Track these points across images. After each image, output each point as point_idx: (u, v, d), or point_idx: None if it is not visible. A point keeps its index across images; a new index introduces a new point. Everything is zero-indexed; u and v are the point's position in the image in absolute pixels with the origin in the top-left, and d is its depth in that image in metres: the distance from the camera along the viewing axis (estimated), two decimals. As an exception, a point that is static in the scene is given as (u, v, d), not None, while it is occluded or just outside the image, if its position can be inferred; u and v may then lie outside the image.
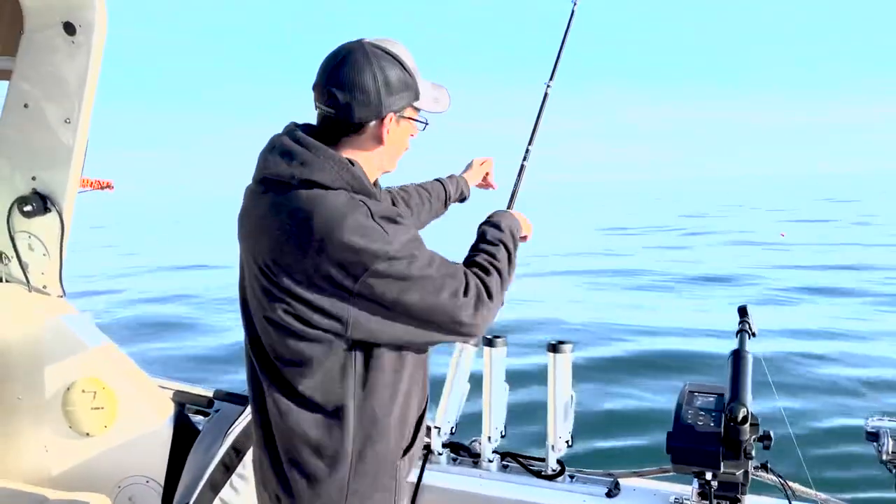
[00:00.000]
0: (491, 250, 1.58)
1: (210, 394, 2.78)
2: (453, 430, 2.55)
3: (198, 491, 2.26)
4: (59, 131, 2.43)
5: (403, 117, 1.50)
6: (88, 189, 3.09)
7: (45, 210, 2.55)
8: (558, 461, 2.42)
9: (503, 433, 2.52)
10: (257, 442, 1.57)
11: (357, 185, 1.43)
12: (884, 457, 1.98)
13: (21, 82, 2.42)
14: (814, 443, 5.25)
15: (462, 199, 2.25)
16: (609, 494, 2.27)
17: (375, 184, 1.60)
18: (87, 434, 2.62)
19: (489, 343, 2.47)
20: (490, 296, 1.47)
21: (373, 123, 1.46)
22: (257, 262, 1.43)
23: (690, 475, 2.04)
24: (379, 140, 1.48)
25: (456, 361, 2.51)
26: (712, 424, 1.97)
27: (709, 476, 1.95)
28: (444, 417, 2.51)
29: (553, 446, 2.40)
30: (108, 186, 3.26)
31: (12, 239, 2.60)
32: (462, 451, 2.58)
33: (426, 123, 1.57)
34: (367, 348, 1.42)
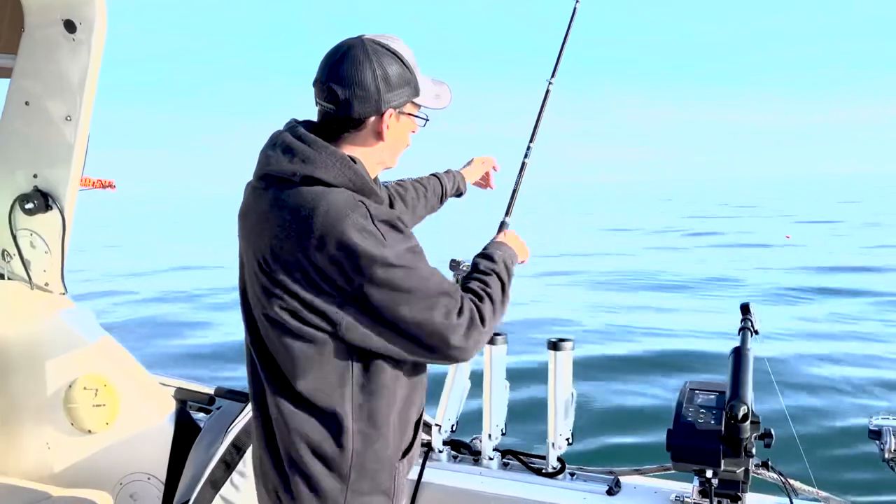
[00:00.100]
0: (485, 279, 1.56)
1: (211, 391, 2.79)
2: (454, 428, 2.54)
3: (198, 488, 2.26)
4: (60, 129, 2.44)
5: (403, 113, 1.50)
6: (90, 188, 3.10)
7: (47, 208, 2.56)
8: (559, 459, 2.42)
9: (504, 431, 2.52)
10: (258, 440, 1.56)
11: (359, 183, 1.43)
12: (886, 455, 1.98)
13: (22, 80, 2.43)
14: (816, 441, 5.24)
15: (458, 195, 2.24)
16: (610, 492, 2.27)
17: (375, 180, 1.60)
18: (89, 431, 2.62)
19: (489, 341, 2.46)
20: (483, 321, 1.45)
21: (372, 119, 1.46)
22: (257, 258, 1.43)
23: (691, 473, 2.04)
24: (379, 136, 1.48)
25: (457, 359, 2.50)
26: (713, 422, 1.97)
27: (709, 474, 1.95)
28: (444, 415, 2.51)
29: (553, 444, 2.40)
30: (110, 185, 3.27)
31: (14, 236, 2.61)
32: (463, 448, 2.57)
33: (427, 119, 1.57)
34: (366, 350, 1.42)
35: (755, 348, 2.14)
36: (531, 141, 2.63)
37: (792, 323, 9.90)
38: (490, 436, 2.49)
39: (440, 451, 2.52)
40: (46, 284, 2.68)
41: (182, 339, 10.48)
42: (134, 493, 2.62)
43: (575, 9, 2.58)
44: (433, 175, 2.16)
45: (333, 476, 1.45)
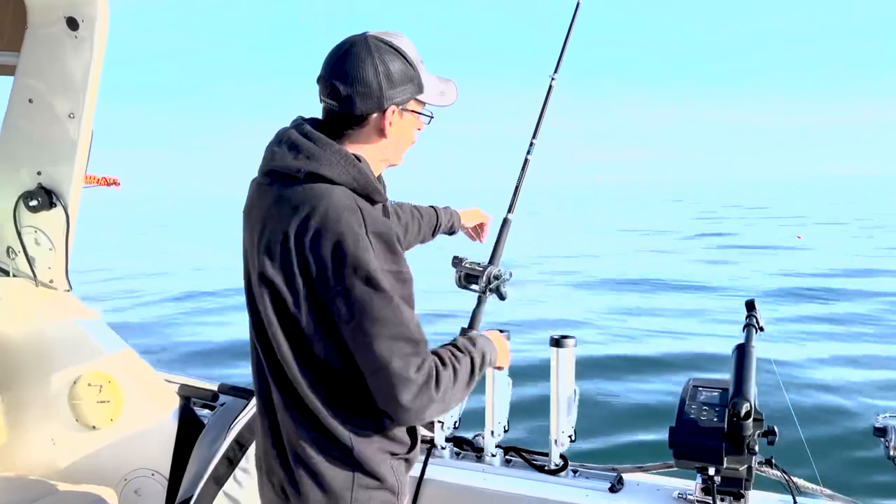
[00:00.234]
0: (458, 354, 1.50)
1: (215, 388, 2.80)
2: (457, 425, 2.54)
3: (201, 484, 2.27)
4: (63, 126, 2.45)
5: (406, 110, 1.50)
6: (94, 185, 3.11)
7: (51, 205, 2.57)
8: (561, 456, 2.41)
9: (506, 428, 2.52)
10: (263, 435, 1.57)
11: (362, 181, 1.43)
12: (891, 452, 1.96)
13: (25, 77, 2.44)
14: (823, 441, 5.20)
15: (451, 233, 2.27)
16: (612, 489, 2.26)
17: (379, 178, 1.59)
18: (94, 427, 2.64)
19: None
20: (438, 386, 1.39)
21: (375, 116, 1.46)
22: (261, 253, 1.43)
23: (694, 470, 2.03)
24: (381, 133, 1.48)
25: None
26: (715, 419, 1.96)
27: (712, 471, 1.93)
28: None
29: (556, 441, 2.39)
30: (115, 183, 3.28)
31: (19, 234, 2.63)
32: (465, 445, 2.57)
33: (431, 116, 1.57)
34: None
35: (762, 347, 2.13)
36: (534, 137, 2.62)
37: (801, 324, 9.84)
38: (493, 433, 2.48)
39: (443, 448, 2.52)
40: (51, 281, 2.69)
41: (191, 336, 10.53)
42: (138, 488, 2.63)
43: (578, 3, 2.57)
44: (432, 207, 2.19)
45: (338, 471, 1.46)
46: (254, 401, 2.16)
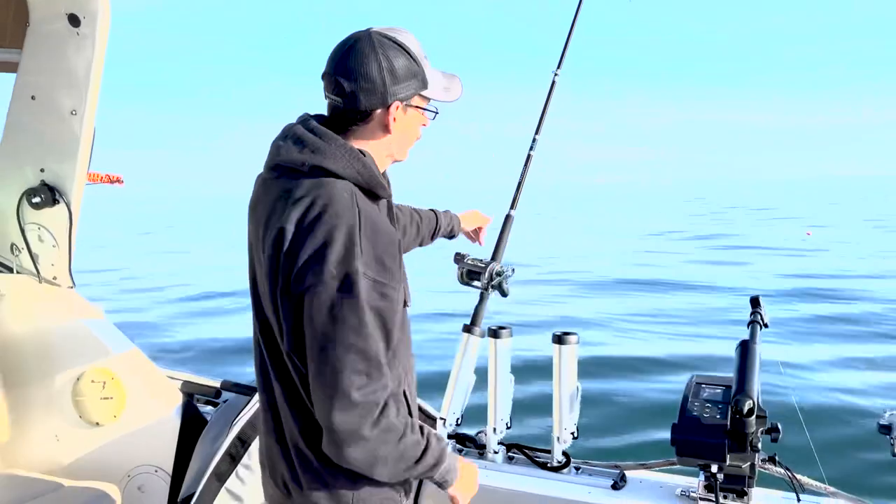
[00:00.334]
0: (420, 437, 1.38)
1: (218, 384, 2.80)
2: (459, 422, 2.53)
3: (204, 481, 2.27)
4: (66, 123, 2.45)
5: (411, 106, 1.49)
6: (98, 183, 3.11)
7: (54, 202, 2.57)
8: (564, 453, 2.40)
9: (509, 424, 2.51)
10: (266, 430, 1.57)
11: (367, 175, 1.43)
12: (896, 449, 1.95)
13: (28, 74, 2.44)
14: (829, 441, 5.16)
15: (451, 237, 2.26)
16: (615, 486, 2.25)
17: (384, 175, 1.59)
18: (97, 424, 2.64)
19: (494, 334, 2.45)
20: (377, 425, 1.30)
21: (379, 112, 1.45)
22: (265, 247, 1.43)
23: (696, 468, 2.02)
24: (386, 128, 1.48)
25: (461, 352, 2.50)
26: (718, 416, 1.95)
27: (714, 469, 1.93)
28: (449, 409, 2.50)
29: (558, 438, 2.39)
30: (118, 181, 3.29)
31: (22, 231, 2.63)
32: (468, 442, 2.57)
33: (436, 112, 1.56)
34: None
35: (769, 348, 2.12)
36: (536, 133, 2.62)
37: (809, 323, 9.80)
38: (495, 429, 2.48)
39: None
40: (55, 278, 2.69)
41: (190, 332, 10.57)
42: (141, 485, 2.63)
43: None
44: (431, 210, 2.17)
45: (340, 468, 1.45)
46: (256, 397, 2.17)
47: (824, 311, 10.84)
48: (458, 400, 2.51)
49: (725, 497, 1.99)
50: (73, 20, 2.29)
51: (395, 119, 1.47)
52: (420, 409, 2.54)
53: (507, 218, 2.57)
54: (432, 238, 2.15)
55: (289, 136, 1.45)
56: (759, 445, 1.89)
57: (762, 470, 2.06)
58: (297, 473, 1.46)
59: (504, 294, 2.44)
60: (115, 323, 2.84)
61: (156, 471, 2.63)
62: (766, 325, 2.28)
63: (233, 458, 2.27)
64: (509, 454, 2.51)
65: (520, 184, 2.61)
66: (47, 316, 2.67)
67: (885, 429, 2.05)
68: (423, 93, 1.50)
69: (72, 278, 2.71)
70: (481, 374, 2.53)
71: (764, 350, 2.12)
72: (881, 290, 12.76)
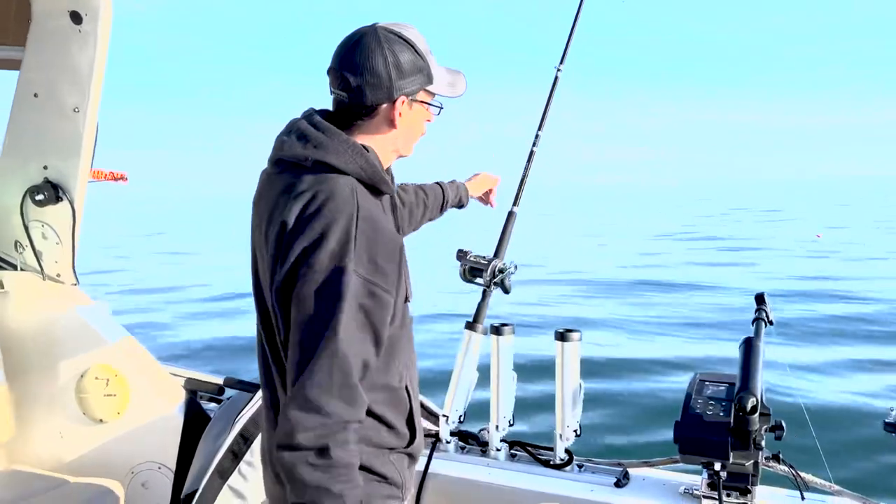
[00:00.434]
0: (343, 477, 1.29)
1: (220, 381, 2.80)
2: (461, 419, 2.52)
3: (206, 478, 2.27)
4: (69, 120, 2.46)
5: (416, 101, 1.49)
6: (102, 181, 3.11)
7: (57, 199, 2.58)
8: (566, 450, 2.39)
9: (511, 422, 2.50)
10: (268, 426, 1.57)
11: (370, 171, 1.43)
12: (902, 447, 1.93)
13: (30, 72, 2.45)
14: (834, 439, 5.13)
15: (460, 206, 2.24)
16: (618, 484, 2.24)
17: (388, 172, 1.59)
18: (101, 420, 2.65)
19: (496, 331, 2.44)
20: (318, 450, 1.25)
21: (384, 106, 1.45)
22: (268, 240, 1.43)
23: (699, 465, 2.01)
24: (391, 123, 1.48)
25: (464, 350, 2.49)
26: (721, 414, 1.93)
27: (718, 466, 1.91)
28: (452, 406, 2.49)
29: (561, 435, 2.38)
30: (122, 178, 3.28)
31: (26, 228, 2.64)
32: (470, 439, 2.56)
33: (441, 107, 1.56)
34: None
35: (778, 350, 2.10)
36: (539, 129, 2.61)
37: (818, 324, 9.74)
38: (497, 427, 2.47)
39: (447, 442, 2.51)
40: (58, 275, 2.70)
41: (194, 329, 10.58)
42: (145, 481, 2.64)
43: None
44: (437, 183, 2.15)
45: None
46: (259, 394, 2.17)
47: (834, 311, 10.79)
48: (460, 397, 2.50)
49: (729, 495, 1.97)
50: (75, 17, 2.30)
51: (400, 114, 1.47)
52: (423, 406, 2.54)
53: (510, 214, 2.55)
54: (441, 211, 2.13)
55: (292, 131, 1.45)
56: (763, 443, 1.87)
57: (766, 468, 2.04)
58: None
59: (506, 291, 2.43)
60: (130, 324, 2.84)
61: (159, 468, 2.63)
62: (770, 323, 2.26)
63: (235, 455, 2.27)
64: (512, 452, 2.50)
65: (522, 180, 2.59)
66: (51, 313, 2.68)
67: (892, 427, 2.03)
68: (429, 88, 1.50)
69: (75, 275, 2.71)
70: (484, 372, 2.52)
71: (772, 351, 2.11)
72: (892, 290, 12.67)
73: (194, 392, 2.77)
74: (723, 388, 2.07)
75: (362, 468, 1.47)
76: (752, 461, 1.91)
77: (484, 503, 2.30)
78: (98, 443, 2.65)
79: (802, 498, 2.04)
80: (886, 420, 2.18)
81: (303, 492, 1.26)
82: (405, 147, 1.55)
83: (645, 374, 7.35)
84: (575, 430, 2.39)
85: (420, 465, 2.35)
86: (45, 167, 2.56)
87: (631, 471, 2.31)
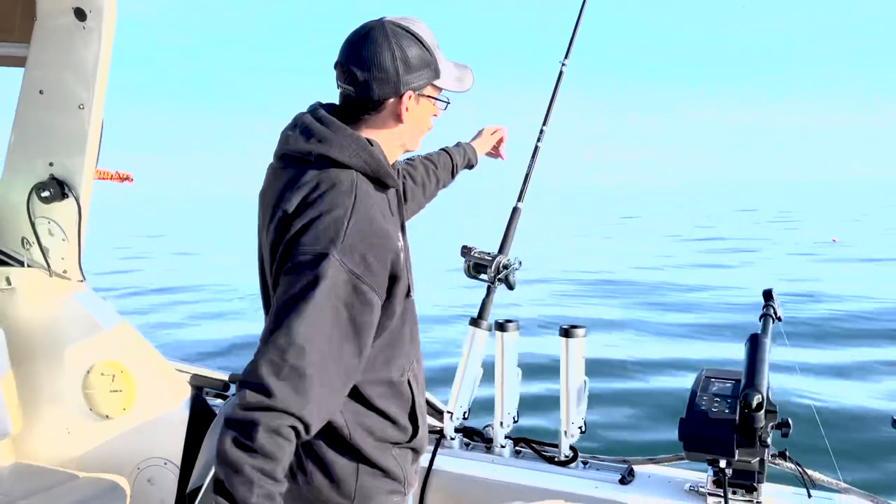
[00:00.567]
0: (264, 478, 1.21)
1: (226, 377, 2.80)
2: (466, 416, 2.52)
3: (212, 474, 2.27)
4: (74, 117, 2.46)
5: (423, 95, 1.48)
6: (108, 181, 3.12)
7: (63, 196, 2.59)
8: (571, 447, 2.38)
9: (516, 418, 2.50)
10: None
11: (373, 165, 1.42)
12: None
13: (35, 69, 2.46)
14: (844, 440, 5.08)
15: (470, 167, 2.20)
16: (622, 481, 2.23)
17: (393, 166, 1.58)
18: (107, 416, 2.66)
19: (501, 328, 2.44)
20: (263, 432, 1.19)
21: (391, 101, 1.45)
22: (269, 234, 1.43)
23: (704, 462, 2.00)
24: (398, 118, 1.47)
25: (468, 346, 2.48)
26: (727, 411, 1.92)
27: (723, 464, 1.90)
28: (456, 402, 2.49)
29: (566, 432, 2.37)
30: (128, 179, 3.29)
31: (33, 225, 2.65)
32: (475, 436, 2.56)
33: (448, 102, 1.55)
34: None
35: (787, 352, 2.08)
36: (544, 124, 2.59)
37: (828, 326, 9.67)
38: (502, 423, 2.47)
39: (452, 439, 2.50)
40: (65, 272, 2.71)
41: (198, 328, 10.61)
42: (151, 477, 2.65)
43: None
44: (443, 150, 2.13)
45: (342, 458, 1.47)
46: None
47: (845, 313, 10.71)
48: (465, 394, 2.50)
49: (734, 492, 1.96)
50: (80, 14, 2.30)
51: (407, 108, 1.46)
52: (427, 402, 2.53)
53: (514, 210, 2.54)
54: (453, 177, 2.11)
55: (297, 125, 1.46)
56: (769, 441, 1.85)
57: (772, 465, 2.03)
58: (302, 462, 1.47)
59: (511, 287, 2.42)
60: (136, 322, 2.85)
61: (165, 463, 2.64)
62: (779, 319, 2.24)
63: (240, 450, 2.27)
64: (516, 448, 2.50)
65: (527, 176, 2.58)
66: (57, 309, 2.69)
67: (901, 423, 2.02)
68: (436, 83, 1.50)
69: (81, 272, 2.72)
70: (489, 368, 2.52)
71: (783, 353, 2.09)
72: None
73: (200, 388, 2.77)
74: (729, 384, 2.06)
75: (365, 461, 1.47)
76: (757, 458, 1.89)
77: (488, 500, 2.30)
78: (104, 439, 2.66)
79: (809, 496, 2.02)
80: (894, 417, 2.16)
81: (219, 467, 1.21)
82: (412, 141, 1.55)
83: (652, 374, 7.32)
84: (580, 427, 2.38)
85: (424, 461, 2.34)
86: (51, 164, 2.57)
87: (636, 468, 2.30)
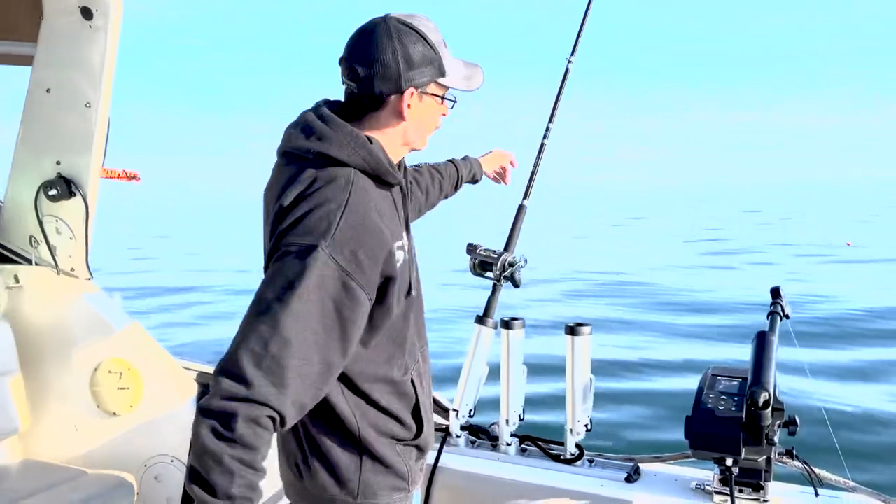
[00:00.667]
0: (246, 469, 1.20)
1: None
2: (472, 413, 2.52)
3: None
4: (80, 115, 2.47)
5: (426, 93, 1.47)
6: (115, 179, 3.13)
7: (70, 194, 2.60)
8: (577, 445, 2.38)
9: (521, 416, 2.49)
10: None
11: (373, 162, 1.41)
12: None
13: (42, 68, 2.47)
14: (854, 441, 5.04)
15: (474, 182, 2.23)
16: (629, 479, 2.22)
17: (400, 164, 1.57)
18: (114, 414, 2.67)
19: (507, 326, 2.43)
20: (240, 421, 1.17)
21: (393, 98, 1.44)
22: (270, 230, 1.43)
23: (711, 461, 1.99)
24: (400, 115, 1.46)
25: (474, 344, 2.48)
26: (733, 409, 1.91)
27: (729, 462, 1.89)
28: (462, 400, 2.49)
29: (571, 430, 2.36)
30: (135, 178, 3.30)
31: (40, 223, 2.66)
32: (481, 434, 2.55)
33: (454, 101, 1.53)
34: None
35: (797, 352, 2.06)
36: (550, 121, 2.58)
37: (839, 326, 9.62)
38: (508, 421, 2.46)
39: (457, 437, 2.50)
40: (72, 270, 2.72)
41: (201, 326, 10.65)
42: (158, 474, 2.66)
43: None
44: (450, 161, 2.14)
45: (346, 454, 1.46)
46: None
47: (854, 314, 10.64)
48: (470, 391, 2.49)
49: (741, 491, 1.95)
50: (86, 13, 2.31)
51: (409, 106, 1.45)
52: (433, 400, 2.53)
53: (520, 208, 2.54)
54: (456, 189, 2.12)
55: (300, 122, 1.46)
56: (776, 439, 1.84)
57: (779, 464, 2.02)
58: (307, 457, 1.47)
59: (516, 285, 2.41)
60: (144, 322, 2.86)
61: (172, 460, 2.65)
62: (786, 317, 2.23)
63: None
64: (522, 446, 2.49)
65: (533, 173, 2.58)
66: (65, 307, 2.71)
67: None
68: (441, 81, 1.48)
69: (89, 270, 2.73)
70: (494, 366, 2.51)
71: (791, 352, 2.07)
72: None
73: (206, 385, 2.77)
74: (735, 382, 2.05)
75: (369, 456, 1.47)
76: (764, 457, 1.88)
77: (494, 497, 2.30)
78: (111, 436, 2.67)
79: (816, 494, 2.01)
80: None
81: (195, 456, 1.19)
82: (418, 140, 1.53)
83: (658, 373, 7.29)
84: (586, 425, 2.37)
85: (430, 459, 2.34)
86: (58, 162, 2.58)
87: (642, 466, 2.29)
